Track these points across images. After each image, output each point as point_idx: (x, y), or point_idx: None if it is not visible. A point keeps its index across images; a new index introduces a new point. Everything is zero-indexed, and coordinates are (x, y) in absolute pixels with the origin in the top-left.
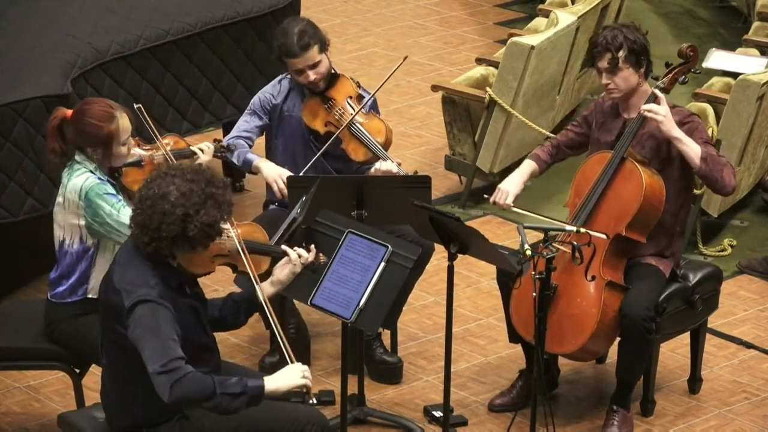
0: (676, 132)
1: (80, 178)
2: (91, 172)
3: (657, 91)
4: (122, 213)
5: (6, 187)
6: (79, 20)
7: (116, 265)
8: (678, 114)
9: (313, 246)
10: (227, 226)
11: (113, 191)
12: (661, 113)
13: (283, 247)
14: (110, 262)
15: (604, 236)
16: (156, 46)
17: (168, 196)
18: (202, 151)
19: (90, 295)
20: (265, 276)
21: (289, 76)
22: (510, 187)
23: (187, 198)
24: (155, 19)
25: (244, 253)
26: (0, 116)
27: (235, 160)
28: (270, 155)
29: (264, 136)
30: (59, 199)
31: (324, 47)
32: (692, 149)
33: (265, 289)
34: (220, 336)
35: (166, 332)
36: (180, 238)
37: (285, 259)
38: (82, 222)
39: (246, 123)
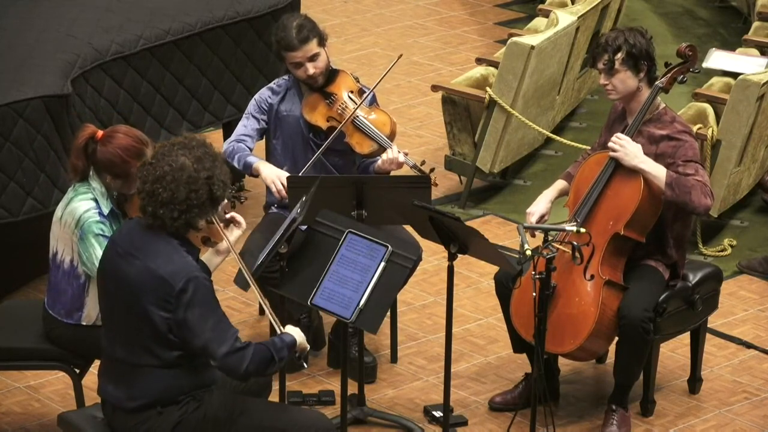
0: (638, 162)
1: (82, 204)
2: (96, 201)
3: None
4: None
5: (6, 187)
6: (79, 20)
7: (132, 251)
8: (669, 128)
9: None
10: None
11: (108, 231)
12: (617, 149)
13: (230, 215)
14: None
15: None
16: (156, 46)
17: (185, 166)
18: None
19: (84, 323)
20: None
21: (287, 77)
22: (535, 209)
23: (202, 162)
24: (155, 19)
25: (217, 224)
26: (0, 116)
27: (235, 164)
28: (269, 156)
29: (264, 139)
30: (59, 212)
31: (322, 41)
32: (657, 177)
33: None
34: None
35: (219, 309)
36: (208, 201)
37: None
38: (76, 247)
39: (244, 127)
